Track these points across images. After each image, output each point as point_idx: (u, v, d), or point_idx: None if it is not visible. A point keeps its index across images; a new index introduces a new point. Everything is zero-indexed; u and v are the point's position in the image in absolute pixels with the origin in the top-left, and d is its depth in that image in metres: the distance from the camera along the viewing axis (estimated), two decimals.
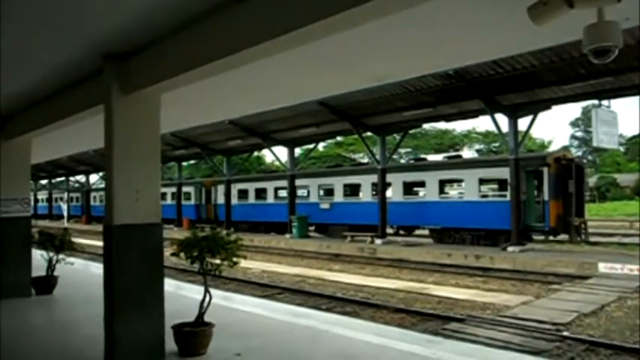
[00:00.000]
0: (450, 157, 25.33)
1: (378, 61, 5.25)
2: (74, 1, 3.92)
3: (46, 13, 4.11)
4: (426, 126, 35.72)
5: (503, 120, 18.79)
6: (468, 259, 17.38)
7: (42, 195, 58.06)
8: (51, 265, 9.27)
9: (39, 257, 9.32)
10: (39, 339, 6.40)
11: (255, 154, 39.99)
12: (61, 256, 9.34)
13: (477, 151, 50.30)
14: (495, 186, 21.96)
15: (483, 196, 20.90)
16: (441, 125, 42.74)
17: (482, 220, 19.91)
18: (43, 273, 9.19)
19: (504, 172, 19.01)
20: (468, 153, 46.91)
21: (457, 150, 45.16)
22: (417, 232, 25.94)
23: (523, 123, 19.14)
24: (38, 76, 6.16)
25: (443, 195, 22.48)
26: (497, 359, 5.39)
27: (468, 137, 50.78)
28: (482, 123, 60.68)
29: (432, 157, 31.15)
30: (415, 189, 24.35)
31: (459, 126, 51.48)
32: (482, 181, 20.97)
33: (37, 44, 4.93)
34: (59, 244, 9.25)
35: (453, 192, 23.84)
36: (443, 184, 22.52)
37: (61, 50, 5.10)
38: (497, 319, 9.20)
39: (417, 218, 22.74)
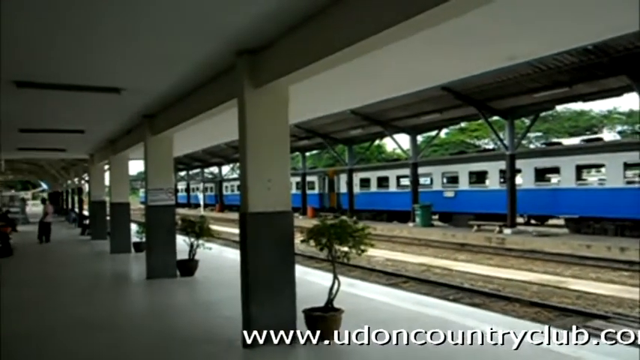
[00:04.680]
0: (588, 141, 23.29)
1: (513, 38, 4.92)
2: (212, 2, 4.15)
3: (188, 15, 4.41)
4: (559, 107, 33.04)
5: None
6: (611, 252, 15.92)
7: (181, 185, 63.33)
8: (192, 250, 10.06)
9: (182, 242, 10.17)
10: (185, 316, 6.99)
11: (376, 142, 39.88)
12: (200, 241, 10.12)
13: (619, 133, 45.46)
14: None
15: (629, 183, 18.94)
16: (576, 106, 39.13)
17: (628, 209, 18.06)
18: (186, 257, 10.01)
19: None
20: (608, 135, 42.59)
21: (595, 132, 41.25)
22: (551, 221, 24.29)
23: None
24: (179, 75, 6.66)
25: (580, 181, 20.78)
26: None
27: (607, 118, 46.08)
28: (625, 102, 54.70)
29: (567, 141, 28.82)
30: (548, 175, 22.77)
31: (597, 106, 46.60)
32: (627, 166, 18.98)
33: (179, 45, 5.34)
34: (199, 230, 10.02)
35: (591, 178, 21.91)
36: (580, 169, 20.82)
37: (199, 49, 5.45)
38: None
39: (551, 207, 21.32)
